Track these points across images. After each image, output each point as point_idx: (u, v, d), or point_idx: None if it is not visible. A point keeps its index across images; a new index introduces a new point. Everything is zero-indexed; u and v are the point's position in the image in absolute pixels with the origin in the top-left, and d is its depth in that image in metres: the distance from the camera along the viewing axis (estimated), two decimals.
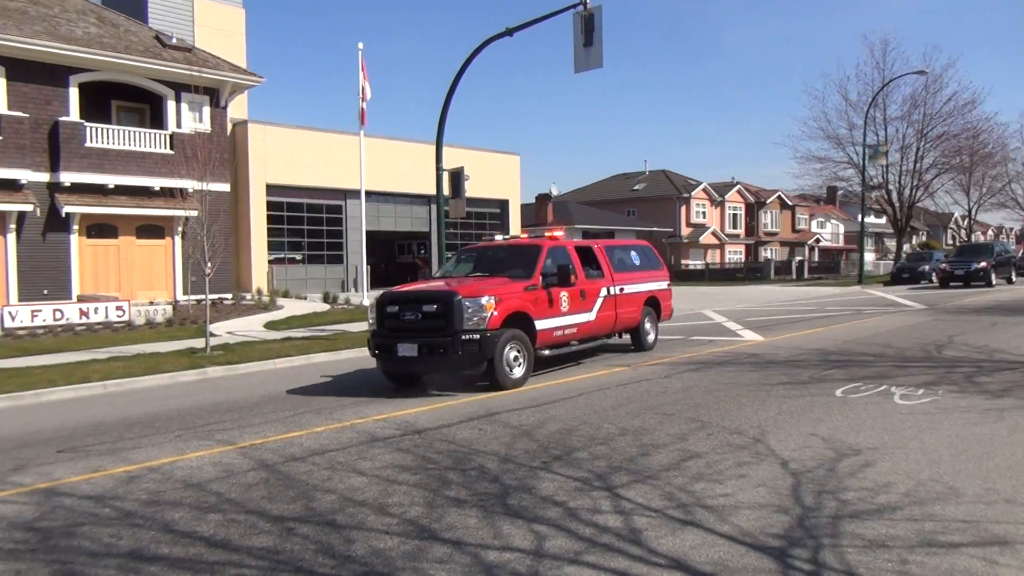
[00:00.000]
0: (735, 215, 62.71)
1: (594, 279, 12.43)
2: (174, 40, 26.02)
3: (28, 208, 21.70)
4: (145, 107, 25.91)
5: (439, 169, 18.30)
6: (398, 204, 34.76)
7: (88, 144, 22.82)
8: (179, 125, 25.04)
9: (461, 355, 9.87)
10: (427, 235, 36.09)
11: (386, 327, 10.54)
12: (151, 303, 22.48)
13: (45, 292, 22.03)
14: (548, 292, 11.09)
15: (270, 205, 29.57)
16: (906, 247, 55.81)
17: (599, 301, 12.34)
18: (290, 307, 24.40)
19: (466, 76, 18.51)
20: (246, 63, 30.67)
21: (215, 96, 25.99)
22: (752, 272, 52.61)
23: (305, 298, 28.00)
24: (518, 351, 10.39)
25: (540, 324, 10.89)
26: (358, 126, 25.82)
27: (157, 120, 25.54)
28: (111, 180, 23.20)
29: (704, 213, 59.13)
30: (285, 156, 29.69)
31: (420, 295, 10.51)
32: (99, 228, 23.77)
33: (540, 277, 11.06)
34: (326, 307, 24.96)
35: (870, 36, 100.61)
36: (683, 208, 57.40)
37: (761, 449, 6.76)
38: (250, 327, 19.59)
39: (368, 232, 29.38)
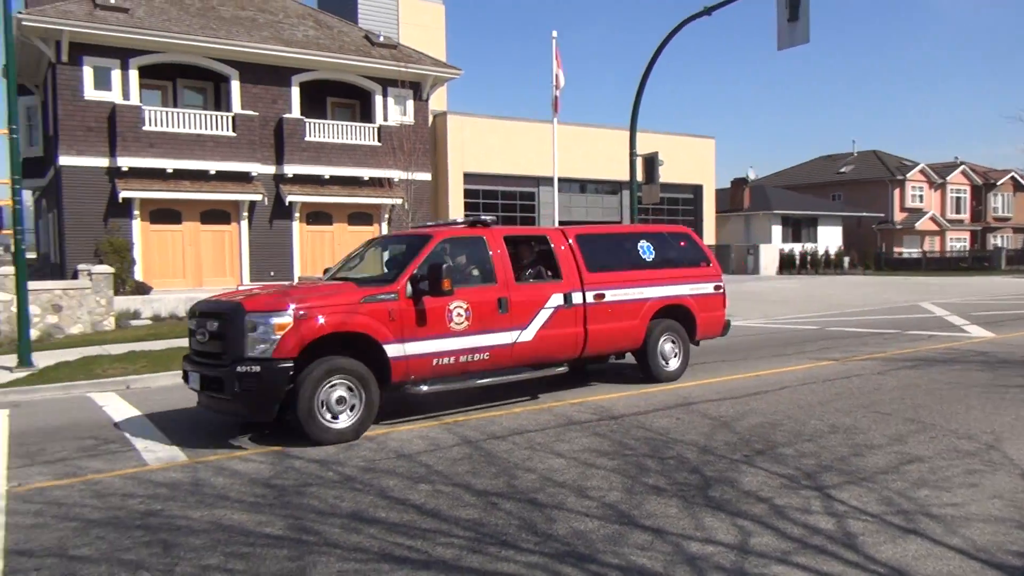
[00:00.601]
0: (958, 199, 56.79)
1: (535, 282, 9.11)
2: (381, 38, 27.70)
3: (258, 198, 24.12)
4: (355, 103, 27.85)
5: (632, 155, 18.13)
6: (588, 194, 34.90)
7: (307, 138, 24.96)
8: (386, 118, 26.68)
9: (237, 392, 7.06)
10: (617, 224, 35.93)
11: (190, 347, 8.22)
12: None
13: (272, 274, 24.40)
14: (419, 303, 7.84)
15: (467, 193, 30.76)
16: None
17: (544, 313, 8.83)
18: None
19: (660, 58, 18.09)
20: (445, 56, 32.04)
21: (418, 90, 27.40)
22: (978, 261, 47.55)
23: None
24: (347, 389, 7.36)
25: (400, 349, 7.69)
26: (550, 114, 26.11)
27: (366, 114, 27.37)
28: (327, 171, 25.23)
29: (921, 197, 54.03)
30: (481, 145, 30.72)
31: (208, 308, 7.89)
32: (316, 215, 25.94)
33: (408, 283, 7.82)
34: None
35: None
36: (896, 191, 52.83)
37: (995, 457, 6.11)
38: None
39: (560, 222, 29.73)
